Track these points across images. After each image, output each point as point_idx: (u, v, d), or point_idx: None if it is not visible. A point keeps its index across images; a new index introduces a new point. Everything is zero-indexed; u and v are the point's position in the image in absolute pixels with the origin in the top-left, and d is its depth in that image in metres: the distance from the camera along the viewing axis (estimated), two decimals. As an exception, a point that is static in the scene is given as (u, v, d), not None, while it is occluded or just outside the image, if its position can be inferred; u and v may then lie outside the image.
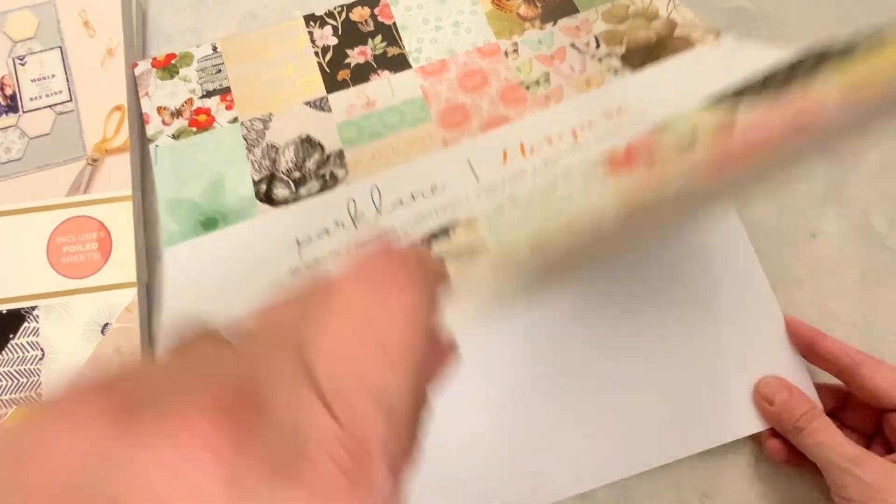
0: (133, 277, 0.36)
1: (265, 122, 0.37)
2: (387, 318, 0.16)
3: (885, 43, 0.23)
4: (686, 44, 0.36)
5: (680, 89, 0.34)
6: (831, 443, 0.30)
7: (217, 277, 0.34)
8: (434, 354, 0.18)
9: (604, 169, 0.24)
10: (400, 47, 0.38)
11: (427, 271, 0.17)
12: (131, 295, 0.35)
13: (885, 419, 0.32)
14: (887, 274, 0.38)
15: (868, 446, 0.33)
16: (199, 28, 0.41)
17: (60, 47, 0.39)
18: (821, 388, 0.34)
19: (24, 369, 0.34)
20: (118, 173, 0.37)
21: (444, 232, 0.33)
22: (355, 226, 0.34)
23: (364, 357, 0.15)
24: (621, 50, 0.37)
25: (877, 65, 0.22)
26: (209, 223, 0.36)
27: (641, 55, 0.36)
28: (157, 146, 0.37)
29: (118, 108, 0.38)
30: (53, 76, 0.38)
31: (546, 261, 0.23)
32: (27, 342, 0.35)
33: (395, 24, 0.39)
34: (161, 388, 0.14)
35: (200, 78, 0.38)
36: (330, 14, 0.40)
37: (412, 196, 0.34)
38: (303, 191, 0.36)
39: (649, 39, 0.37)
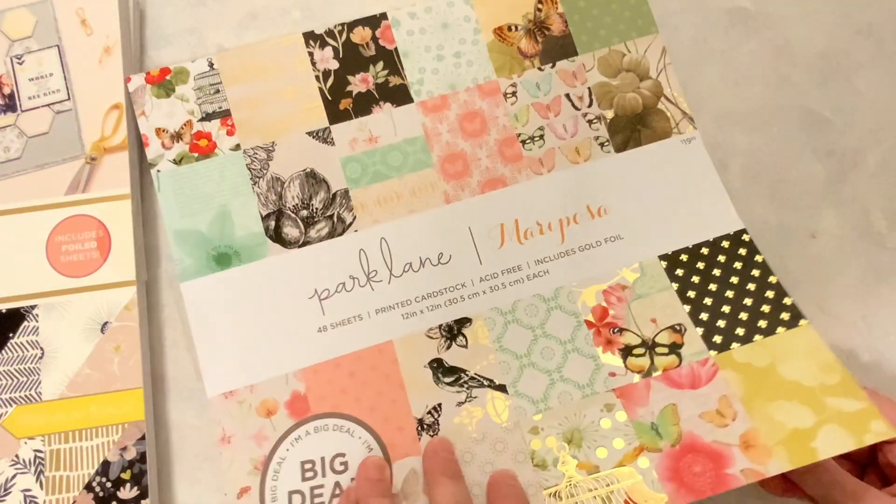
0: (132, 276, 0.36)
1: (268, 151, 0.38)
2: None
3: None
4: (664, 125, 0.39)
5: (649, 204, 0.38)
6: (829, 478, 0.30)
7: (241, 321, 0.35)
8: None
9: (585, 321, 0.35)
10: (401, 77, 0.39)
11: None
12: (131, 293, 0.36)
13: (879, 449, 0.32)
14: (887, 274, 0.38)
15: (862, 475, 0.32)
16: (199, 28, 0.41)
17: (58, 46, 0.39)
18: None
19: (24, 368, 0.35)
20: (117, 172, 0.37)
21: (460, 332, 0.35)
22: (371, 285, 0.36)
23: None
24: (610, 114, 0.39)
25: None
26: (222, 259, 0.36)
27: (627, 128, 0.39)
28: (158, 171, 0.37)
29: (116, 106, 0.38)
30: (51, 75, 0.38)
31: None
32: (27, 341, 0.35)
33: (396, 49, 0.39)
34: None
35: (199, 98, 0.38)
36: (330, 33, 0.39)
37: (420, 261, 0.36)
38: (312, 233, 0.37)
39: (635, 107, 0.39)
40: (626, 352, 0.35)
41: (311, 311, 0.36)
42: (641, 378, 0.34)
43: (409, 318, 0.36)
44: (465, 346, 0.35)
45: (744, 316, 0.35)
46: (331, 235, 0.37)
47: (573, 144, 0.38)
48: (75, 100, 0.38)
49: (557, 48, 0.40)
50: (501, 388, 0.35)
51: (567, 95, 0.39)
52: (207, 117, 0.38)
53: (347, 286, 0.36)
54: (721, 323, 0.35)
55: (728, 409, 0.33)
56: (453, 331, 0.35)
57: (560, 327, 0.35)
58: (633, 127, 0.39)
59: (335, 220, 0.37)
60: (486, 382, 0.35)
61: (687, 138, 0.39)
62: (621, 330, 0.35)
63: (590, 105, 0.39)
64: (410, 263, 0.36)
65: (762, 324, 0.35)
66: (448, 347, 0.35)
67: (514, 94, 0.39)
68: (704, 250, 0.37)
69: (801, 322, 0.35)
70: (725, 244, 0.37)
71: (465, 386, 0.35)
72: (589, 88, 0.39)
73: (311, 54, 0.39)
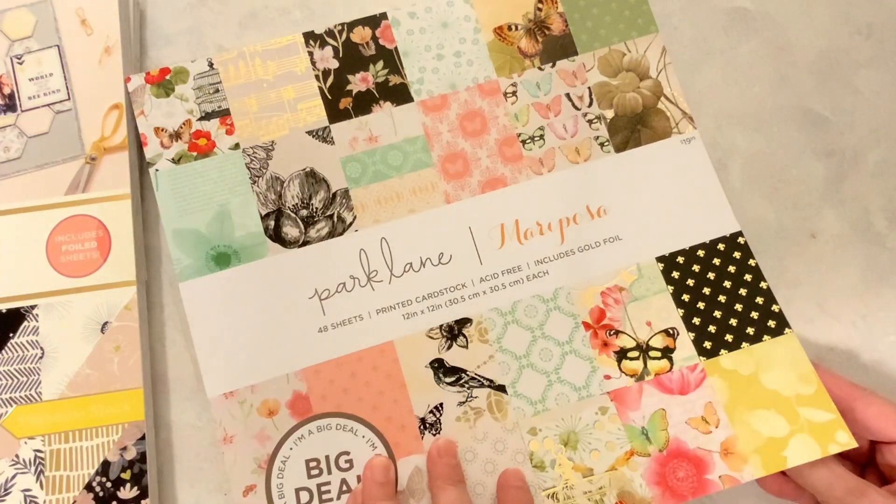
0: (132, 276, 0.36)
1: (268, 150, 0.37)
2: None
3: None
4: (664, 124, 0.39)
5: (648, 205, 0.38)
6: (830, 475, 0.31)
7: (241, 320, 0.35)
8: None
9: (583, 321, 0.35)
10: (401, 76, 0.39)
11: None
12: (130, 293, 0.36)
13: (878, 450, 0.32)
14: (887, 274, 0.38)
15: (862, 476, 0.33)
16: (199, 28, 0.41)
17: (58, 46, 0.39)
18: None
19: (24, 368, 0.35)
20: (117, 172, 0.37)
21: (460, 332, 0.35)
22: (371, 286, 0.36)
23: None
24: (610, 114, 0.39)
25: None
26: (221, 259, 0.36)
27: (626, 128, 0.39)
28: (157, 171, 0.37)
29: (116, 106, 0.38)
30: (51, 75, 0.38)
31: None
32: (27, 341, 0.35)
33: (396, 48, 0.39)
34: None
35: (198, 98, 0.38)
36: (330, 33, 0.39)
37: (421, 261, 0.36)
38: (312, 232, 0.37)
39: (635, 106, 0.39)
40: (621, 355, 0.35)
41: (312, 311, 0.36)
42: (635, 382, 0.35)
43: (410, 319, 0.36)
44: (466, 347, 0.35)
45: (734, 322, 0.35)
46: (331, 235, 0.37)
47: (573, 144, 0.38)
48: (75, 100, 0.38)
49: (557, 48, 0.40)
50: (501, 389, 0.35)
51: (567, 95, 0.39)
52: (207, 116, 0.38)
53: (348, 286, 0.36)
54: (712, 328, 0.35)
55: (712, 416, 0.34)
56: (454, 331, 0.36)
57: (559, 328, 0.36)
58: (633, 127, 0.39)
59: (335, 219, 0.37)
60: (486, 382, 0.35)
61: (687, 138, 0.39)
62: (617, 332, 0.36)
63: (590, 105, 0.39)
64: (411, 263, 0.36)
65: (750, 331, 0.35)
66: (448, 348, 0.35)
67: (514, 93, 0.39)
68: (700, 252, 0.37)
69: (786, 331, 0.35)
70: (721, 247, 0.37)
71: (466, 386, 0.35)
72: (589, 88, 0.39)
73: (310, 54, 0.39)
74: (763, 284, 0.36)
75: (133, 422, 0.34)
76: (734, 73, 0.41)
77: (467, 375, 0.35)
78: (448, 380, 0.35)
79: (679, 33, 0.41)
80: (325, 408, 0.34)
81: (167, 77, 0.38)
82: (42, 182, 0.37)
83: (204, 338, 0.35)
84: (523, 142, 0.38)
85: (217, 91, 0.38)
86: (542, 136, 0.39)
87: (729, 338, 0.35)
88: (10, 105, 0.38)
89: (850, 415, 0.32)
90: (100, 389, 0.34)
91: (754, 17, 0.42)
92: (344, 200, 0.37)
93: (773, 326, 0.35)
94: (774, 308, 0.36)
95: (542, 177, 0.38)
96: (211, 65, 0.38)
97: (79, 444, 0.34)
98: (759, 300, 0.36)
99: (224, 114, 0.38)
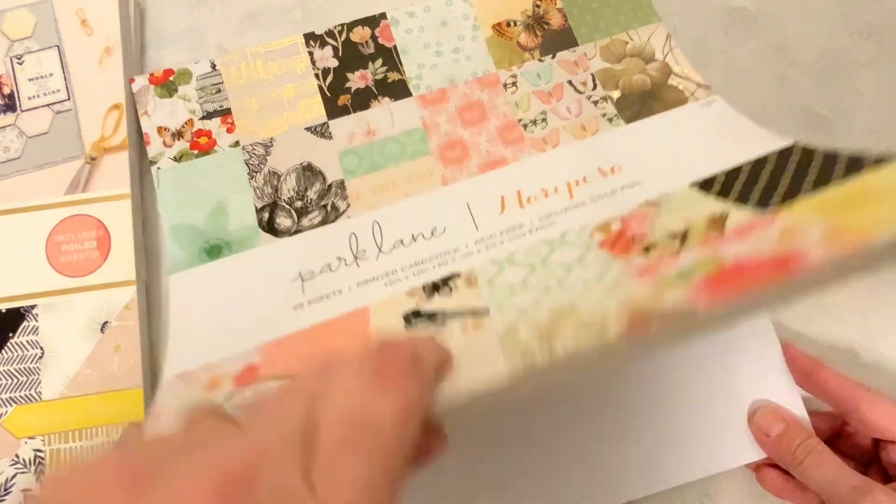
0: (132, 276, 0.36)
1: (266, 147, 0.37)
2: (379, 417, 0.18)
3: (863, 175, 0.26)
4: (677, 96, 0.36)
5: (670, 152, 0.34)
6: (833, 474, 0.30)
7: (220, 307, 0.34)
8: (423, 443, 0.20)
9: (599, 242, 0.29)
10: (400, 73, 0.39)
11: (425, 368, 0.20)
12: (130, 293, 0.35)
13: (882, 448, 0.32)
14: (887, 274, 0.38)
15: (865, 474, 0.32)
16: (199, 28, 0.41)
17: (58, 46, 0.39)
18: (816, 415, 0.34)
19: (24, 368, 0.34)
20: (117, 172, 0.37)
21: (445, 284, 0.33)
22: (357, 263, 0.34)
23: (354, 452, 0.17)
24: (616, 93, 0.37)
25: (859, 202, 0.24)
26: (213, 251, 0.36)
27: (636, 104, 0.36)
28: (158, 168, 0.37)
29: (116, 106, 0.38)
30: (51, 75, 0.38)
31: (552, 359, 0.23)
32: (27, 341, 0.35)
33: (395, 47, 0.39)
34: (169, 462, 0.16)
35: (200, 97, 0.38)
36: (330, 33, 0.39)
37: (412, 237, 0.35)
38: (304, 221, 0.36)
39: (644, 84, 0.37)
40: (651, 248, 0.30)
41: (291, 292, 0.34)
42: (671, 256, 0.28)
43: (392, 285, 0.33)
44: (450, 295, 0.33)
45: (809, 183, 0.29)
46: (323, 223, 0.36)
47: (578, 122, 0.37)
48: (75, 100, 0.38)
49: (557, 40, 0.39)
50: (479, 313, 0.31)
51: (569, 82, 0.38)
52: (208, 116, 0.38)
53: (332, 266, 0.35)
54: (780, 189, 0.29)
55: (793, 236, 0.23)
56: (438, 287, 0.33)
57: (566, 255, 0.31)
58: (644, 102, 0.37)
59: (329, 208, 0.37)
60: (464, 313, 0.32)
61: (707, 102, 0.36)
62: (645, 242, 0.30)
63: (594, 88, 0.38)
64: (401, 240, 0.35)
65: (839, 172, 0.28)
66: (430, 298, 0.33)
67: (514, 83, 0.38)
68: (746, 167, 0.32)
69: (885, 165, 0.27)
70: (773, 158, 0.32)
71: (439, 321, 0.32)
72: (592, 74, 0.38)
73: (311, 54, 0.39)
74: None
75: (133, 422, 0.34)
76: (734, 73, 0.41)
77: (444, 315, 0.32)
78: (421, 323, 0.32)
79: (679, 33, 0.41)
80: (270, 372, 0.31)
81: (171, 78, 0.38)
82: (42, 182, 0.37)
83: (179, 326, 0.33)
84: (524, 126, 0.37)
85: (219, 91, 0.38)
86: (544, 119, 0.37)
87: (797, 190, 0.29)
88: (10, 105, 0.38)
89: (855, 413, 0.32)
90: (100, 389, 0.34)
91: (754, 17, 0.42)
92: (339, 190, 0.37)
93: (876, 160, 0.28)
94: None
95: (546, 153, 0.36)
96: (213, 66, 0.39)
97: (79, 444, 0.34)
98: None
99: (225, 113, 0.38)
